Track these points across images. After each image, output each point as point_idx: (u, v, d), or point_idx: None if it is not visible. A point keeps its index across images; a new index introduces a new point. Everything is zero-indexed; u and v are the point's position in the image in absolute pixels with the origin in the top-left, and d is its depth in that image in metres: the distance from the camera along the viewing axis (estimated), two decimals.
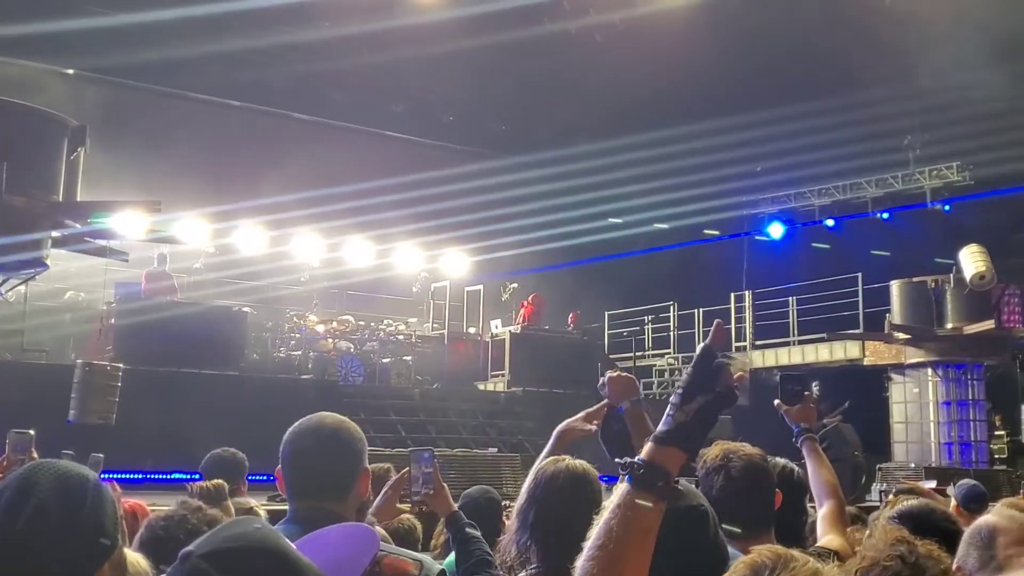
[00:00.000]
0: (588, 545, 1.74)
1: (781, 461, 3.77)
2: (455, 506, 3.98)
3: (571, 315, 21.27)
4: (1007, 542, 2.72)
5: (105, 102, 17.98)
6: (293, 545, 1.56)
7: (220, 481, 4.52)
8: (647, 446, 1.80)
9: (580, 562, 1.74)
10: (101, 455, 5.98)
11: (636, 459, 1.78)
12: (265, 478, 6.37)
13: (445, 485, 4.15)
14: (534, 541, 2.93)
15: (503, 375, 19.52)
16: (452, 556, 3.78)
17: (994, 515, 2.86)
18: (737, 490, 2.86)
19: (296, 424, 2.75)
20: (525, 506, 3.04)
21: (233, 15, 17.51)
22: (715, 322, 1.89)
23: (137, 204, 13.04)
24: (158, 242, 15.61)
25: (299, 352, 17.56)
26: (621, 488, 1.77)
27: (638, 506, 1.73)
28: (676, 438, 1.79)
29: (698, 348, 1.85)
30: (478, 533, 3.74)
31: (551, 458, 3.20)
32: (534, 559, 2.97)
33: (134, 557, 2.98)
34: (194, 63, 19.01)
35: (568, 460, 3.13)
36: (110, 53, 18.19)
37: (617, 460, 1.87)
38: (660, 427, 1.81)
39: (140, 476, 4.87)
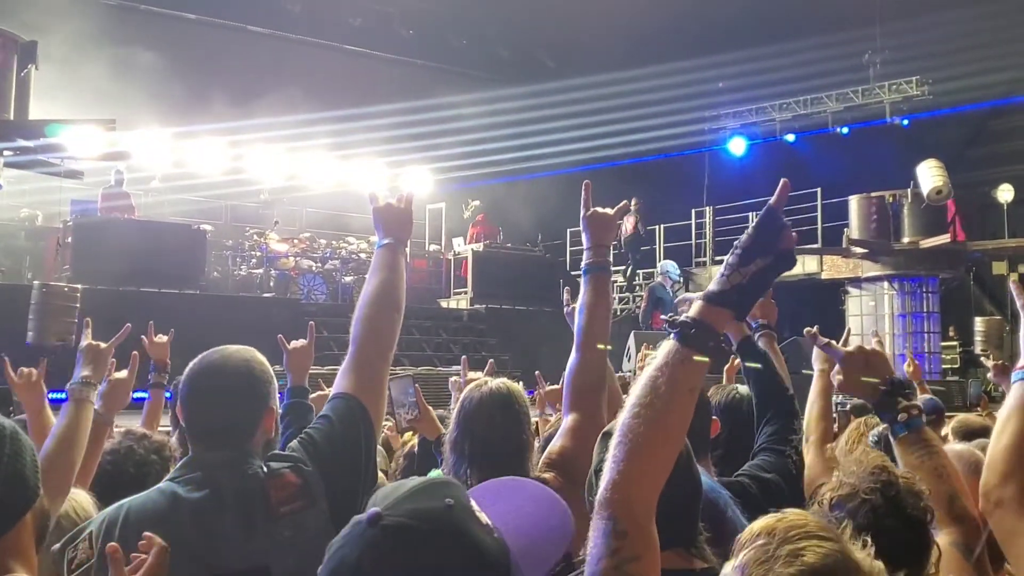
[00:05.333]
0: (630, 403, 1.70)
1: (742, 389, 3.82)
2: (442, 428, 3.99)
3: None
4: None
5: (62, 17, 17.47)
6: (484, 518, 1.47)
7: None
8: (696, 304, 1.76)
9: (622, 420, 1.70)
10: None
11: (686, 317, 1.73)
12: None
13: (430, 408, 4.19)
14: (473, 469, 2.92)
15: (466, 292, 19.57)
16: (436, 472, 3.73)
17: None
18: None
19: (199, 359, 2.58)
20: (458, 436, 3.02)
21: None
22: (782, 181, 1.79)
23: (92, 122, 12.74)
24: (112, 158, 15.30)
25: (260, 270, 17.46)
26: (667, 346, 1.73)
27: (686, 364, 1.71)
28: (730, 299, 1.76)
29: (763, 209, 1.78)
30: None
31: (474, 383, 3.16)
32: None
33: (76, 502, 2.86)
34: None
35: (491, 382, 3.11)
36: None
37: (664, 317, 1.83)
38: (713, 286, 1.77)
39: None
